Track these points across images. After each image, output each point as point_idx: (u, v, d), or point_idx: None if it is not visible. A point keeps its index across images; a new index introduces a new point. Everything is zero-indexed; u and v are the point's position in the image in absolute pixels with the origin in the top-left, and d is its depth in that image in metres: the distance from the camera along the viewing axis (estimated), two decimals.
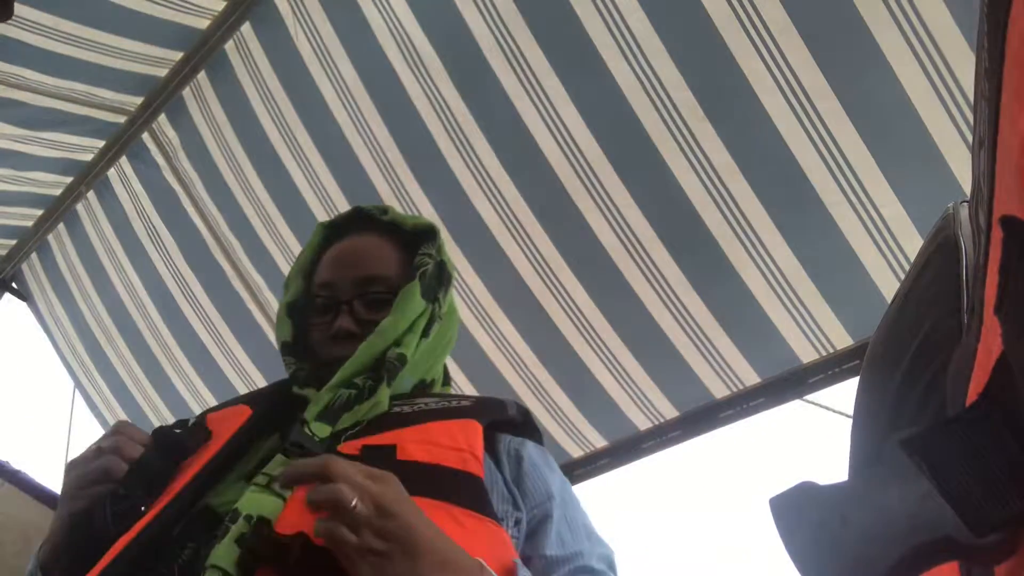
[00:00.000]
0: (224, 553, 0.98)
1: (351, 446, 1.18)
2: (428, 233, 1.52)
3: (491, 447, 1.28)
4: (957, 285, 0.59)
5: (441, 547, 0.97)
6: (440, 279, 1.49)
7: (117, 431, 1.23)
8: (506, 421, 1.35)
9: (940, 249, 0.64)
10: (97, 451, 1.20)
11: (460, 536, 1.03)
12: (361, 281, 1.42)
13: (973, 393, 0.46)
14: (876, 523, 0.43)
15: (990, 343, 0.43)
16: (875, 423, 0.66)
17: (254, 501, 1.05)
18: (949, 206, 0.67)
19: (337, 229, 1.57)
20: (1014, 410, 0.40)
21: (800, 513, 0.46)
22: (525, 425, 1.40)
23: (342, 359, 1.33)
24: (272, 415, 1.32)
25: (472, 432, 1.24)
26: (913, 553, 0.42)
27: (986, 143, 0.42)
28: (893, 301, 0.72)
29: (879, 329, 0.74)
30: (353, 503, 0.94)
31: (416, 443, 1.18)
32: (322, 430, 1.20)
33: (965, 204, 0.64)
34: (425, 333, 1.42)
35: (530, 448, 1.31)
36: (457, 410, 1.30)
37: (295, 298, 1.50)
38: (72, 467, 1.21)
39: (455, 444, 1.19)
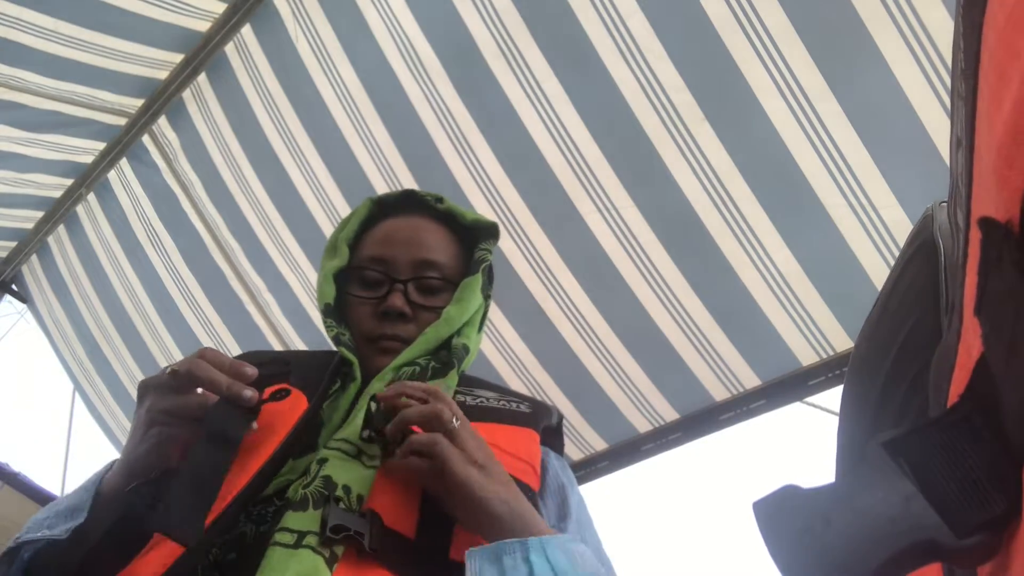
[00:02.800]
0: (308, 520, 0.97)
1: None
2: (489, 230, 1.50)
3: None
4: (937, 286, 0.59)
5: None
6: (491, 280, 1.49)
7: (203, 362, 1.07)
8: (548, 428, 1.35)
9: (920, 250, 0.64)
10: (172, 375, 1.05)
11: None
12: (419, 264, 1.39)
13: (954, 394, 0.46)
14: (859, 526, 0.43)
15: (970, 344, 0.43)
16: (859, 424, 0.66)
17: (344, 471, 1.05)
18: (928, 207, 0.67)
19: (386, 208, 1.53)
20: (994, 411, 0.40)
21: (783, 516, 0.46)
22: (557, 431, 1.40)
23: (387, 337, 1.33)
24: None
25: (533, 443, 1.25)
26: (897, 555, 0.41)
27: (963, 143, 0.42)
28: (876, 303, 0.72)
29: (862, 331, 0.74)
30: (454, 420, 1.03)
31: None
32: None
33: (943, 205, 0.64)
34: (480, 327, 1.44)
35: (553, 461, 1.31)
36: (518, 415, 1.30)
37: (342, 265, 1.45)
38: (151, 385, 1.07)
39: (517, 453, 1.19)
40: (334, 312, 1.40)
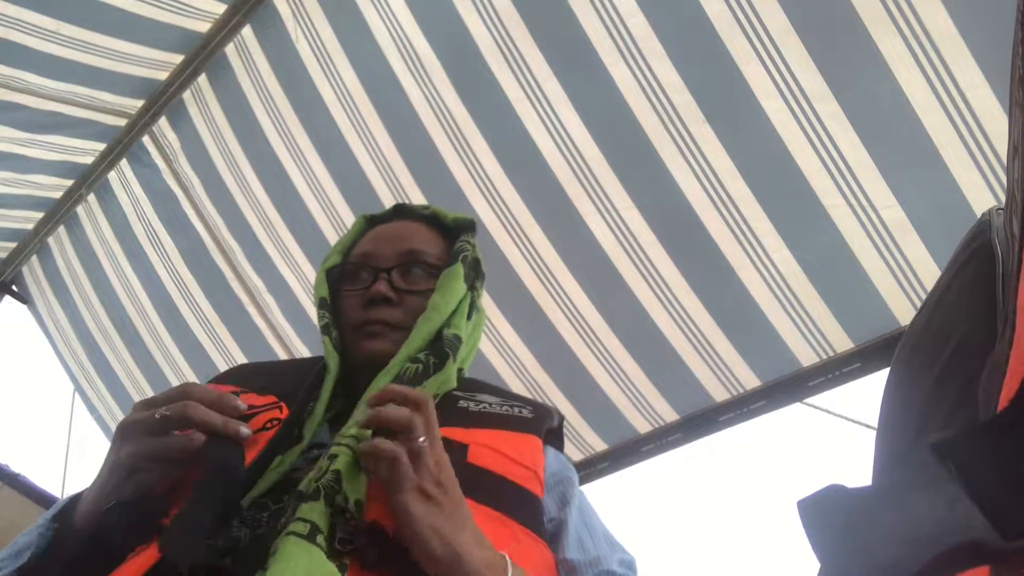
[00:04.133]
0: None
1: None
2: (467, 225, 1.55)
3: None
4: (992, 292, 0.59)
5: (475, 529, 1.00)
6: (477, 272, 1.51)
7: (194, 402, 1.04)
8: (549, 430, 1.36)
9: (976, 254, 0.64)
10: (163, 420, 1.02)
11: (515, 551, 1.04)
12: (402, 254, 1.43)
13: (1004, 399, 0.46)
14: (905, 526, 0.43)
15: (1022, 349, 0.43)
16: (904, 425, 0.66)
17: (347, 472, 1.03)
18: (984, 212, 0.67)
19: (376, 221, 1.58)
20: None
21: (828, 515, 0.46)
22: (557, 433, 1.41)
23: (372, 321, 1.34)
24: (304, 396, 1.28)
25: (536, 450, 1.25)
26: (942, 556, 0.42)
27: (1020, 150, 0.43)
28: (924, 305, 0.72)
29: (909, 333, 0.73)
30: (421, 438, 0.99)
31: (486, 448, 1.18)
32: None
33: (1000, 211, 0.65)
34: (468, 316, 1.45)
35: (550, 456, 1.32)
36: (521, 420, 1.30)
37: (333, 266, 1.49)
38: (136, 429, 1.03)
39: (522, 460, 1.20)
40: (328, 306, 1.43)
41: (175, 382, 3.67)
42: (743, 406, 2.60)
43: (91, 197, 3.54)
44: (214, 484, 1.01)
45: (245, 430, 1.05)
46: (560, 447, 1.41)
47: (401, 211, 1.60)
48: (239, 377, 1.29)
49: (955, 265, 0.68)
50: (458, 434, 1.15)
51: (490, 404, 1.33)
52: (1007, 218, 0.54)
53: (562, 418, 1.43)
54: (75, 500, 1.10)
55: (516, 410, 1.33)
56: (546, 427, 1.33)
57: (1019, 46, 0.43)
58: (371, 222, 1.58)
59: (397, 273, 1.40)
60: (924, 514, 0.43)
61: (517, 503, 1.13)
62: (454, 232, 1.54)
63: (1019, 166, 0.44)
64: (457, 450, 1.13)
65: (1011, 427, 0.42)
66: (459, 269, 1.42)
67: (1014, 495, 0.40)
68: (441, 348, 1.32)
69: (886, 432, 0.70)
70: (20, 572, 1.01)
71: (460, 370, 1.43)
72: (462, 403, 1.30)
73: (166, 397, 1.06)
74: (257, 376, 1.32)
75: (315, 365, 1.35)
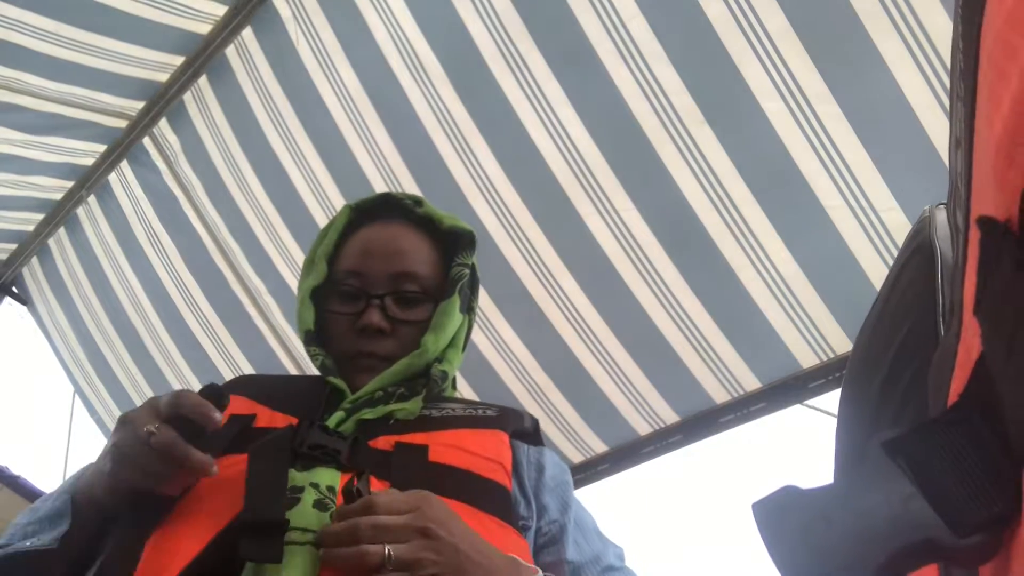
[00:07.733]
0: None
1: (384, 441, 1.15)
2: (466, 238, 1.45)
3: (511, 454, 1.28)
4: (933, 288, 0.59)
5: (485, 559, 0.98)
6: (473, 288, 1.46)
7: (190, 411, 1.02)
8: (522, 431, 1.35)
9: (916, 253, 0.64)
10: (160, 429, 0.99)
11: (488, 540, 1.04)
12: (395, 277, 1.35)
13: (954, 394, 0.46)
14: (859, 525, 0.43)
15: (969, 344, 0.43)
16: (857, 425, 0.66)
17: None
18: (925, 209, 0.66)
19: (364, 214, 1.48)
20: (994, 410, 0.40)
21: (783, 517, 0.45)
22: (534, 436, 1.39)
23: (365, 354, 1.31)
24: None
25: (501, 443, 1.25)
26: (897, 555, 0.41)
27: (962, 144, 0.42)
28: (873, 306, 0.72)
29: (860, 334, 0.73)
30: (386, 552, 0.93)
31: (447, 447, 1.17)
32: (347, 426, 1.16)
33: (941, 207, 0.64)
34: (464, 346, 1.42)
35: (549, 458, 1.31)
36: (485, 419, 1.30)
37: (319, 283, 1.40)
38: (135, 423, 1.01)
39: (485, 453, 1.20)
40: (315, 338, 1.37)
41: (175, 383, 3.69)
42: (743, 408, 2.59)
43: (91, 199, 3.55)
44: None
45: (214, 469, 1.02)
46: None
47: (391, 205, 1.49)
48: (254, 389, 1.28)
49: (898, 265, 0.68)
50: (418, 438, 1.15)
51: (453, 410, 1.31)
52: (950, 211, 0.54)
53: (536, 422, 1.41)
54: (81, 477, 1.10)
55: (480, 411, 1.32)
56: (513, 427, 1.32)
57: (959, 40, 0.43)
58: (356, 214, 1.48)
59: (391, 300, 1.34)
60: (878, 513, 0.42)
61: (483, 494, 1.13)
62: (448, 241, 1.46)
63: (961, 159, 0.43)
64: (417, 452, 1.14)
65: (961, 422, 0.42)
66: (454, 304, 1.37)
67: (966, 491, 0.40)
68: (420, 385, 1.30)
69: (842, 434, 0.70)
70: (64, 539, 1.01)
71: (449, 381, 1.42)
72: (424, 412, 1.27)
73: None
74: (269, 390, 1.30)
75: (317, 388, 1.31)
